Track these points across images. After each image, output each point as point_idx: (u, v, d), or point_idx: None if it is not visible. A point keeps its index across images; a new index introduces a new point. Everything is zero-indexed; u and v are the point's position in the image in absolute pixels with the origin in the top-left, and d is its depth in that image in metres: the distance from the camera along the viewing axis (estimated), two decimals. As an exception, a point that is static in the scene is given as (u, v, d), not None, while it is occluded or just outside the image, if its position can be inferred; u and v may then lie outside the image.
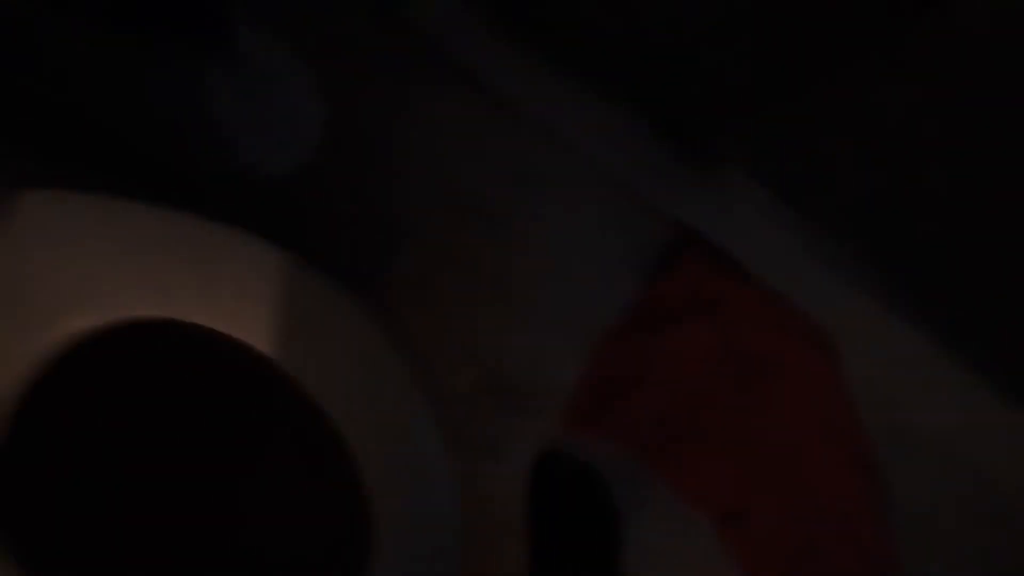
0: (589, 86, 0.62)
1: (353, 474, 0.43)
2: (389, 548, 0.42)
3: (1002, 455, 0.74)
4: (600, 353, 0.59)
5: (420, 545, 0.43)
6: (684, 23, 0.57)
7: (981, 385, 0.75)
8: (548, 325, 0.58)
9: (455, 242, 0.57)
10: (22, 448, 0.36)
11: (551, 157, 0.63)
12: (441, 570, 0.43)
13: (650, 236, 0.64)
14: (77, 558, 0.36)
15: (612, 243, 0.63)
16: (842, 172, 0.65)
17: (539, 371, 0.57)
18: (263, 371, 0.43)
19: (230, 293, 0.41)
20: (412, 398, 0.46)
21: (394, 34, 0.58)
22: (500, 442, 0.53)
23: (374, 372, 0.45)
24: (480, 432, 0.53)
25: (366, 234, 0.54)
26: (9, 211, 0.39)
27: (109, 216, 0.40)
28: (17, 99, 0.44)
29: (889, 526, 0.64)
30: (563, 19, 0.60)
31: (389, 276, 0.54)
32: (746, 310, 0.64)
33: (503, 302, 0.57)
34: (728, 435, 0.59)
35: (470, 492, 0.50)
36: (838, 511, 0.61)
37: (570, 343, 0.58)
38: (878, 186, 0.65)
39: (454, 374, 0.54)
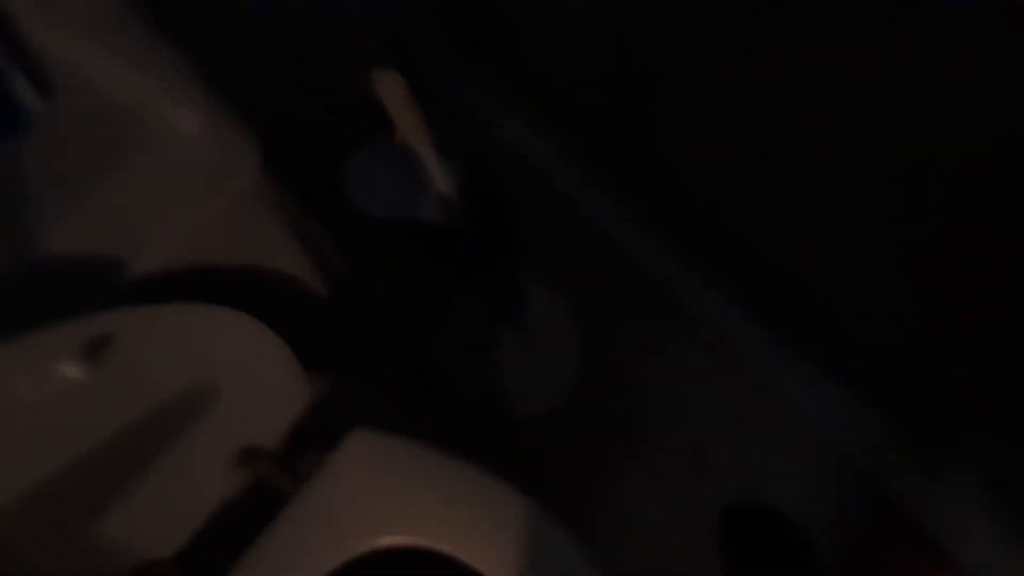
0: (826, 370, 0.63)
1: None
2: None
3: None
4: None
5: None
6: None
7: None
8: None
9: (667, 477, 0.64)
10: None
11: (769, 409, 0.65)
12: None
13: (853, 500, 0.64)
14: None
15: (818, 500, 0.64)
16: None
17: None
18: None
19: (482, 531, 0.49)
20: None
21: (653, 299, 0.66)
22: None
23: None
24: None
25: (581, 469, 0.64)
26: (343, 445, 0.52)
27: (404, 455, 0.53)
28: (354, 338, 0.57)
29: None
30: (821, 323, 0.60)
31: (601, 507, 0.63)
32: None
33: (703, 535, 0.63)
34: None
35: None
36: None
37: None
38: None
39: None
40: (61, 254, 0.40)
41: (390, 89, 0.51)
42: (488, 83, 0.65)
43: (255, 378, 0.52)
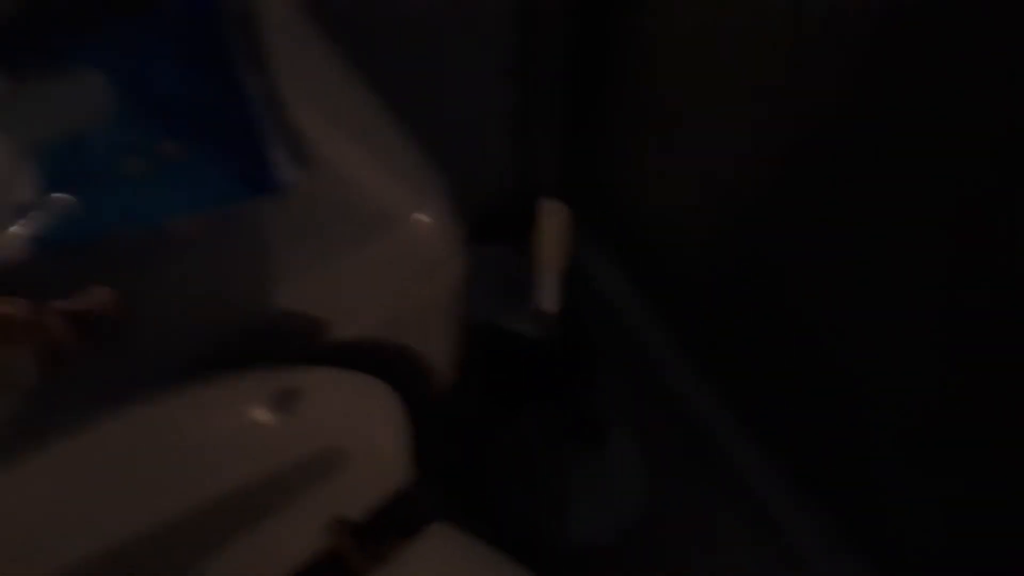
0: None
1: None
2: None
3: None
4: None
5: None
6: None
7: None
8: None
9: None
10: None
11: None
12: None
13: None
14: None
15: None
16: None
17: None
18: None
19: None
20: None
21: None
22: None
23: None
24: None
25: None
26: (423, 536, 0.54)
27: (479, 559, 0.54)
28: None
29: None
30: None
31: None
32: None
33: None
34: None
35: None
36: None
37: None
38: None
39: None
40: (274, 309, 0.44)
41: (554, 218, 0.58)
42: (593, 237, 0.72)
43: (375, 453, 0.54)
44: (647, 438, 0.75)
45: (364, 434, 0.52)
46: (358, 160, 0.45)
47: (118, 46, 0.43)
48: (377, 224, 0.44)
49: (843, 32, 0.53)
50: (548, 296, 0.67)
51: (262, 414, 0.44)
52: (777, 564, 0.71)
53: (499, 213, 0.49)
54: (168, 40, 0.44)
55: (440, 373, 0.58)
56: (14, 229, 0.42)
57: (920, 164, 0.52)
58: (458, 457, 0.72)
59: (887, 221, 0.56)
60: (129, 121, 0.42)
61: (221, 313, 0.43)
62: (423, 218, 0.44)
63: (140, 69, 0.43)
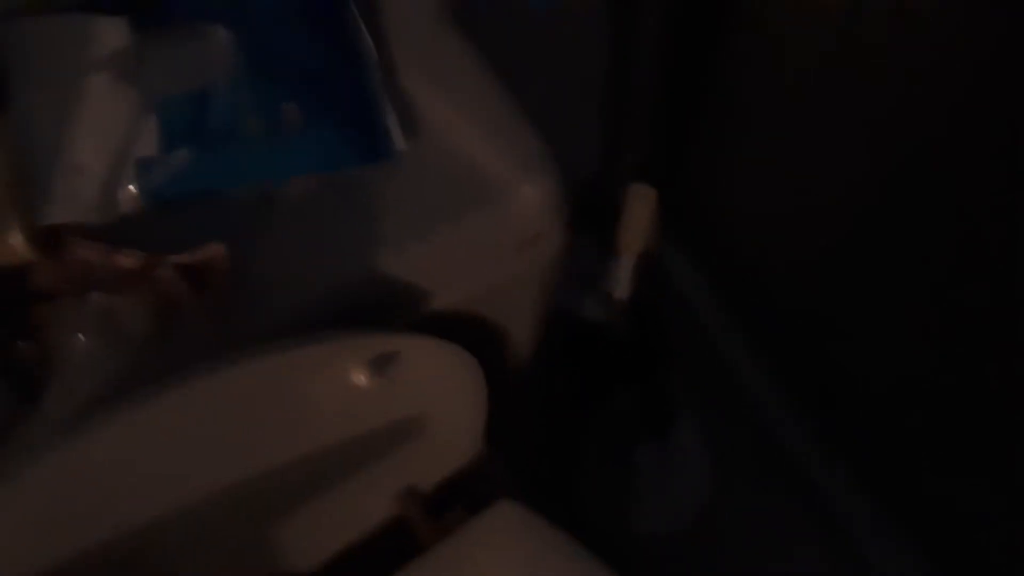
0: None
1: None
2: None
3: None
4: None
5: None
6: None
7: None
8: None
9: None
10: None
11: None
12: None
13: None
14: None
15: None
16: None
17: None
18: None
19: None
20: None
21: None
22: None
23: None
24: None
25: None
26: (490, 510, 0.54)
27: (546, 537, 0.54)
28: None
29: None
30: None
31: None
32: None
33: None
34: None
35: None
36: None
37: None
38: None
39: None
40: (378, 274, 0.45)
41: (641, 202, 0.58)
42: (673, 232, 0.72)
43: (453, 425, 0.55)
44: (714, 433, 0.76)
45: (447, 405, 0.53)
46: (468, 131, 0.45)
47: (246, 9, 0.44)
48: (483, 195, 0.45)
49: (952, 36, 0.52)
50: (621, 282, 0.68)
51: (360, 377, 0.45)
52: (840, 563, 0.71)
53: (581, 205, 0.49)
54: (293, 6, 0.45)
55: (522, 349, 0.59)
56: (133, 183, 0.43)
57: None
58: (528, 436, 0.73)
59: (987, 238, 0.55)
60: (252, 82, 0.43)
61: (327, 275, 0.44)
62: (529, 191, 0.45)
63: (265, 33, 0.43)
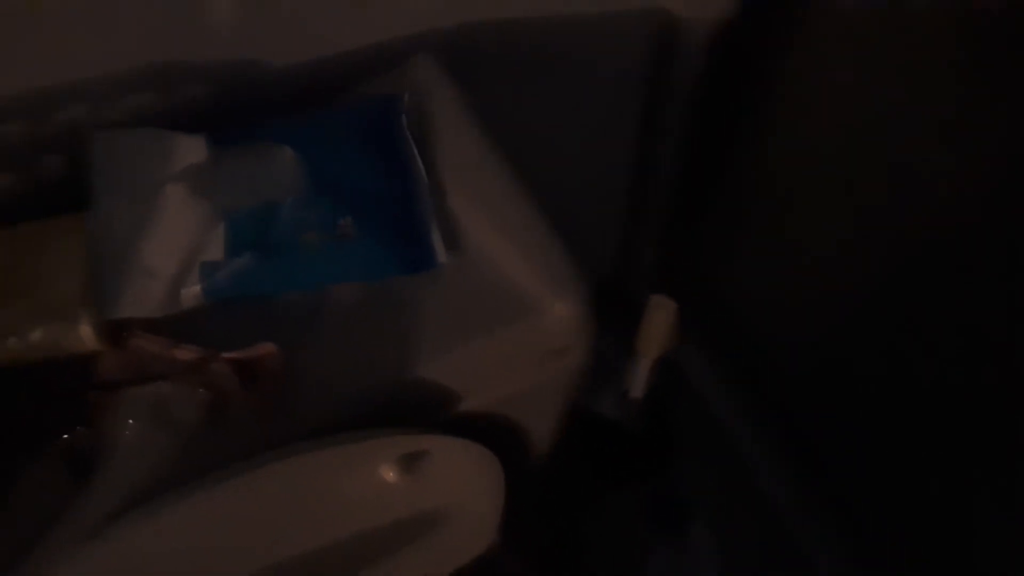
0: None
1: None
2: None
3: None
4: None
5: None
6: None
7: None
8: None
9: None
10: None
11: None
12: None
13: None
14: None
15: None
16: None
17: None
18: None
19: None
20: None
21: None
22: None
23: None
24: None
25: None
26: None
27: None
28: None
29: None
30: None
31: None
32: None
33: None
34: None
35: None
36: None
37: None
38: None
39: None
40: (413, 377, 0.48)
41: (663, 312, 0.61)
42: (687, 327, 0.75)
43: (472, 519, 0.57)
44: (727, 533, 0.76)
45: (467, 500, 0.55)
46: (505, 249, 0.49)
47: (311, 132, 0.49)
48: (516, 309, 0.48)
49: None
50: (637, 382, 0.70)
51: (390, 473, 0.48)
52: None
53: (601, 303, 0.52)
54: (353, 130, 0.49)
55: (541, 447, 0.61)
56: (197, 284, 0.47)
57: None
58: (541, 531, 0.74)
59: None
60: (313, 199, 0.47)
61: (367, 376, 0.47)
62: (560, 308, 0.48)
63: (328, 155, 0.48)
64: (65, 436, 0.46)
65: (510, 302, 0.48)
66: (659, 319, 0.62)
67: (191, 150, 0.47)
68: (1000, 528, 0.63)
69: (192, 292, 0.46)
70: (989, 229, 0.57)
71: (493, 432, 0.54)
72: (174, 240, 0.46)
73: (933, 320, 0.64)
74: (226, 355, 0.46)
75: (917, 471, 0.69)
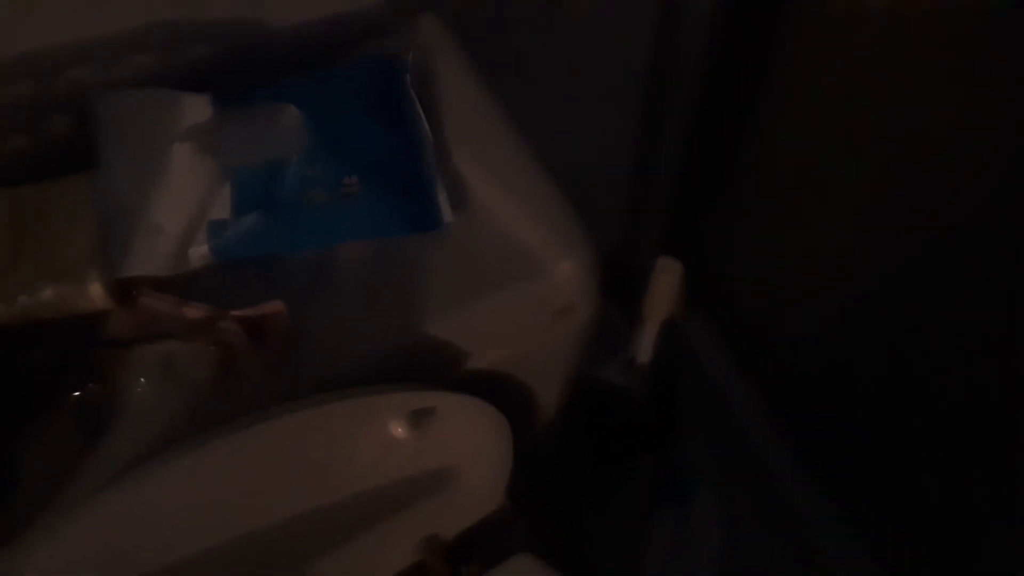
0: None
1: None
2: None
3: None
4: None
5: None
6: None
7: None
8: None
9: None
10: None
11: None
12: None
13: None
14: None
15: None
16: None
17: None
18: None
19: None
20: None
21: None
22: None
23: None
24: None
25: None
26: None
27: None
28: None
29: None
30: None
31: None
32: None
33: None
34: None
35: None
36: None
37: None
38: None
39: None
40: (420, 335, 0.48)
41: (669, 275, 0.61)
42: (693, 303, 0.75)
43: (479, 478, 0.57)
44: (730, 501, 0.77)
45: (475, 459, 0.56)
46: (511, 207, 0.49)
47: (315, 91, 0.49)
48: (523, 267, 0.48)
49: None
50: (644, 347, 0.71)
51: (399, 429, 0.48)
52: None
53: (608, 271, 0.53)
54: (358, 89, 0.49)
55: (548, 409, 0.62)
56: (205, 242, 0.47)
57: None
58: (548, 494, 0.75)
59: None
60: (318, 157, 0.47)
61: (375, 334, 0.48)
62: (567, 265, 0.48)
63: (333, 114, 0.48)
64: (77, 393, 0.46)
65: (516, 261, 0.48)
66: (665, 280, 0.62)
67: (196, 109, 0.47)
68: (1001, 512, 0.64)
69: (200, 251, 0.47)
70: (989, 228, 0.57)
71: (501, 393, 0.54)
72: (181, 199, 0.46)
73: (931, 313, 0.64)
74: (234, 312, 0.47)
75: (917, 448, 0.70)
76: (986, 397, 0.62)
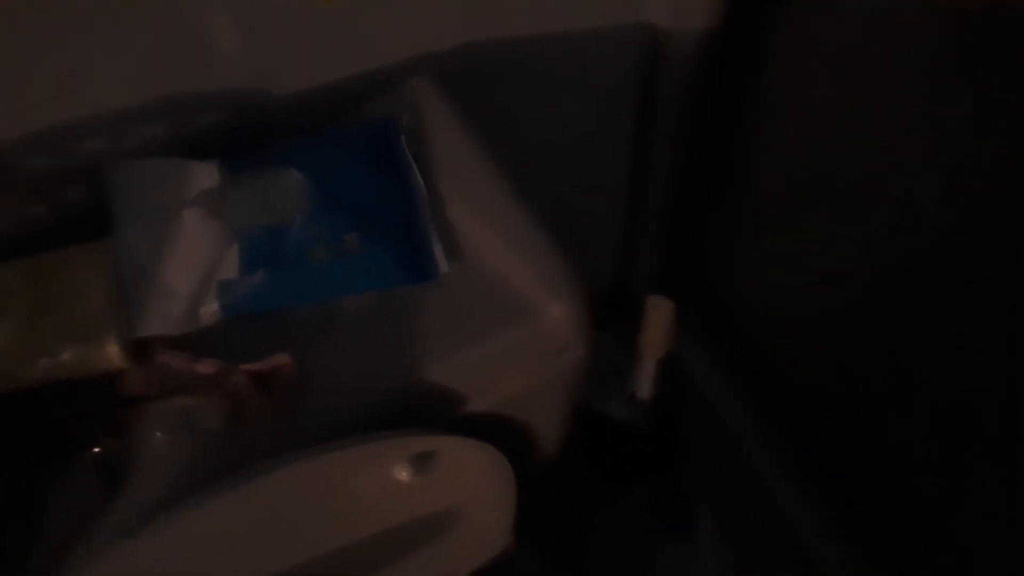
0: None
1: None
2: None
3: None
4: None
5: None
6: None
7: None
8: None
9: None
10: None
11: None
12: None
13: None
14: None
15: None
16: None
17: None
18: None
19: None
20: None
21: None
22: None
23: None
24: None
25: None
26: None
27: None
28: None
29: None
30: None
31: None
32: None
33: None
34: None
35: None
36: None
37: None
38: None
39: None
40: (421, 381, 0.50)
41: (661, 313, 0.63)
42: (689, 326, 0.77)
43: (484, 519, 0.59)
44: (733, 529, 0.78)
45: (479, 499, 0.57)
46: (503, 255, 0.52)
47: (316, 154, 0.52)
48: (516, 312, 0.51)
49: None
50: (643, 383, 0.72)
51: (402, 473, 0.50)
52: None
53: (600, 302, 0.55)
54: (356, 150, 0.52)
55: (548, 445, 0.63)
56: (215, 301, 0.50)
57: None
58: (552, 530, 0.76)
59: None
60: (320, 217, 0.50)
61: (377, 381, 0.50)
62: (557, 309, 0.51)
63: (332, 175, 0.51)
64: (96, 448, 0.49)
65: (508, 305, 0.50)
66: (658, 319, 0.64)
67: (204, 176, 0.51)
68: (998, 513, 0.64)
69: (210, 309, 0.49)
70: (989, 228, 0.58)
71: (500, 433, 0.56)
72: (192, 261, 0.49)
73: (930, 317, 0.65)
74: (244, 367, 0.49)
75: (919, 467, 0.70)
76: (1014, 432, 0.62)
